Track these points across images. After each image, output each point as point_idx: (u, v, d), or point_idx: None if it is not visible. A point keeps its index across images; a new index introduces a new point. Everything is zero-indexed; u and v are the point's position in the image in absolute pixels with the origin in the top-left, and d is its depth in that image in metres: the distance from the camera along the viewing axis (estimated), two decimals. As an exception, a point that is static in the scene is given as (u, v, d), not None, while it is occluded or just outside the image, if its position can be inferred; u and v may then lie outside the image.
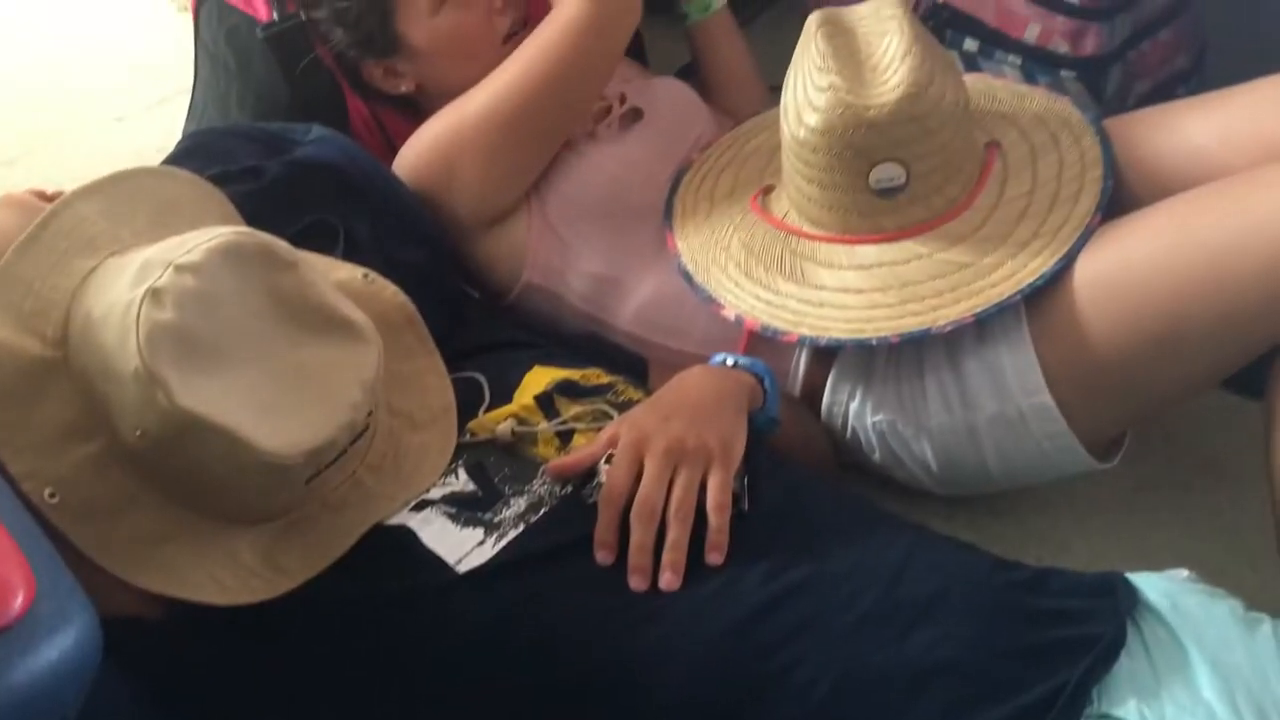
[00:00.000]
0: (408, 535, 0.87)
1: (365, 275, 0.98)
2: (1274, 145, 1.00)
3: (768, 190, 1.16)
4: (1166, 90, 1.43)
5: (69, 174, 1.52)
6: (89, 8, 1.82)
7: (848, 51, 1.05)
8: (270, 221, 0.95)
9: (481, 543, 0.86)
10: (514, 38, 1.20)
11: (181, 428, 0.78)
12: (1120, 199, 1.08)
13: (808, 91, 1.04)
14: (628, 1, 1.14)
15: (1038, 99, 1.19)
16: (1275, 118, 1.02)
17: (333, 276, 0.93)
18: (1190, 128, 1.08)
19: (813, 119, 1.03)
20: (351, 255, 1.04)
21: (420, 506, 0.89)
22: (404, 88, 1.23)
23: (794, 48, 1.11)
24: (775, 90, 1.17)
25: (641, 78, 1.34)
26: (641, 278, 1.17)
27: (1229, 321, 0.96)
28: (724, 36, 1.41)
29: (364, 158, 1.17)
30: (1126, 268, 0.99)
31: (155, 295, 0.79)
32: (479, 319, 1.17)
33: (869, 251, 1.06)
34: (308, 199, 1.07)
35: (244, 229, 0.88)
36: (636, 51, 1.48)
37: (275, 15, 1.23)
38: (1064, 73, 1.36)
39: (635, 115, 1.24)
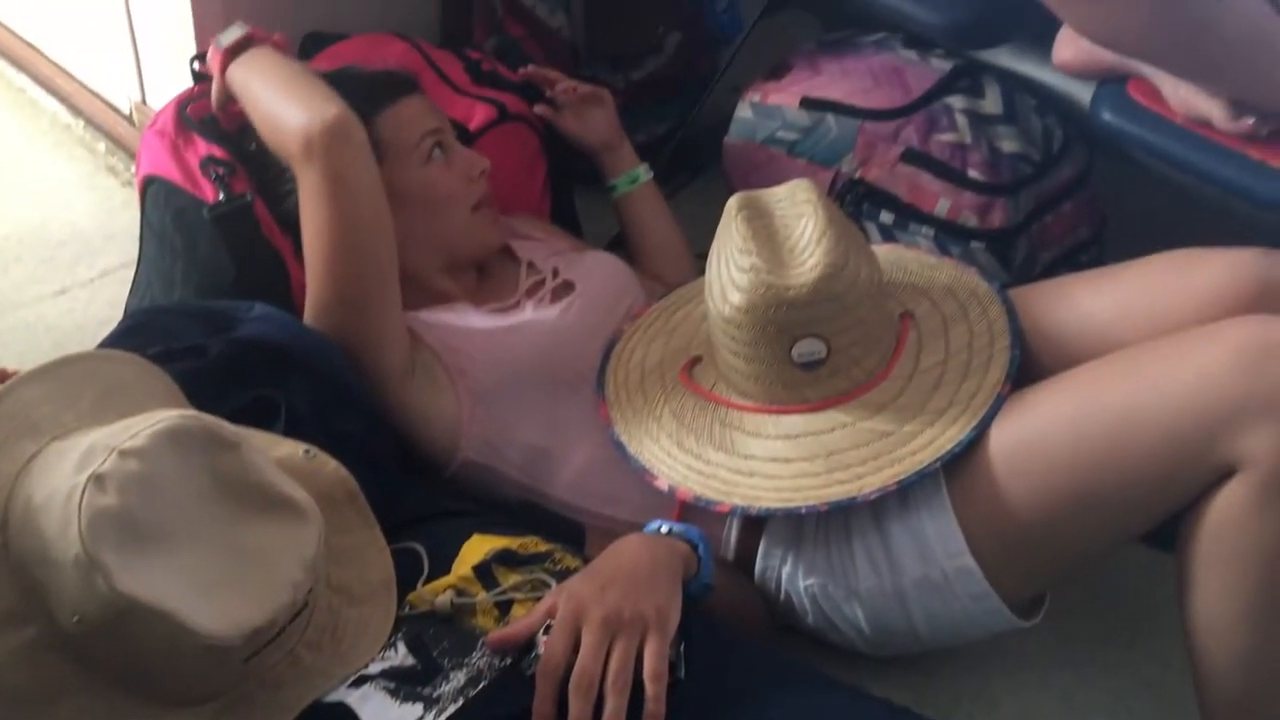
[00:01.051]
0: (346, 712, 0.87)
1: (306, 451, 1.00)
2: (1166, 319, 1.07)
3: (696, 361, 1.21)
4: (1070, 258, 1.52)
5: (11, 349, 1.55)
6: (27, 179, 1.85)
7: (767, 234, 1.11)
8: (213, 399, 0.98)
9: (420, 718, 0.87)
10: (479, 210, 1.28)
11: (121, 612, 0.79)
12: (1028, 366, 1.14)
13: (731, 272, 1.10)
14: (339, 142, 1.13)
15: (947, 270, 1.26)
16: (1166, 293, 1.10)
17: (274, 454, 0.95)
18: (1089, 302, 1.15)
19: (737, 298, 1.09)
20: (293, 430, 1.06)
21: (359, 682, 0.89)
22: None
23: (718, 216, 1.17)
24: (701, 258, 1.23)
25: (574, 250, 1.40)
26: (575, 447, 1.20)
27: (1136, 484, 1.01)
28: (650, 208, 1.49)
29: (304, 332, 1.20)
30: (1037, 436, 1.05)
31: (98, 481, 0.81)
32: (418, 489, 1.18)
33: (795, 421, 1.11)
34: (249, 375, 1.10)
35: (188, 412, 0.90)
36: (570, 222, 1.56)
37: (222, 196, 1.27)
38: (974, 244, 1.44)
39: (567, 288, 1.30)
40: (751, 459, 1.10)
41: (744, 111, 1.55)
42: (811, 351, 1.08)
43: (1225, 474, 0.98)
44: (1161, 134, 1.28)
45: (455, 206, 1.27)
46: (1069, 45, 1.34)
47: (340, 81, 1.21)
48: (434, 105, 1.32)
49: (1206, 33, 1.16)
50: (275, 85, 1.19)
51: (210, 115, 1.31)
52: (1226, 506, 0.97)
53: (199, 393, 1.00)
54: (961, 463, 1.07)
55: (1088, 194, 1.51)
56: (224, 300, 1.23)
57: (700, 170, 1.75)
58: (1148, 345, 1.04)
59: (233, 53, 1.24)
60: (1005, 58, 1.48)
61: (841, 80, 1.50)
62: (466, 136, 1.39)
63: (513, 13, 1.63)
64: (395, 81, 1.29)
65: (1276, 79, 1.19)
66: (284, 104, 1.17)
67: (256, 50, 1.24)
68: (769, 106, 1.53)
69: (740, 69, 1.73)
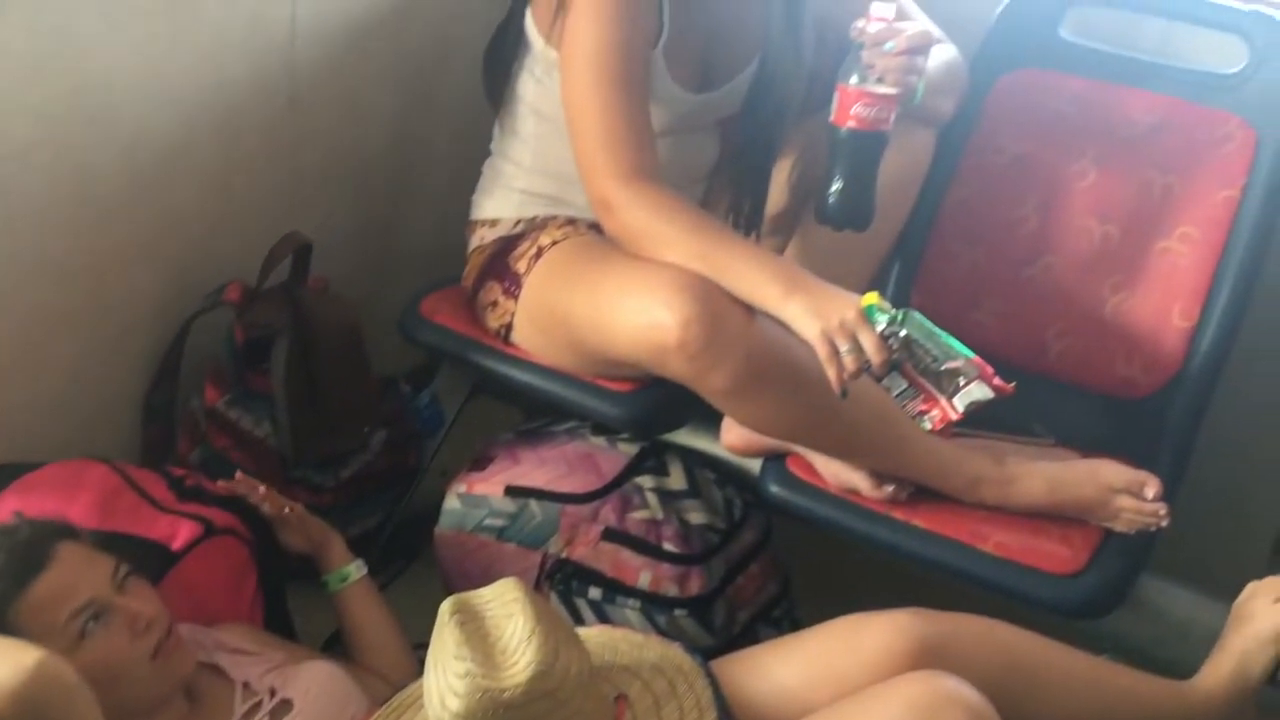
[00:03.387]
0: None
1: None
2: (845, 682, 1.19)
3: (420, 767, 1.21)
4: (765, 614, 1.64)
5: None
6: None
7: (479, 636, 1.16)
8: None
9: None
10: (160, 654, 1.23)
11: None
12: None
13: (448, 678, 1.14)
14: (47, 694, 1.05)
15: (654, 648, 1.34)
16: (841, 657, 1.22)
17: None
18: (780, 670, 1.26)
19: (455, 704, 1.12)
20: None
21: None
22: None
23: (434, 605, 1.20)
24: (421, 648, 1.25)
25: (291, 662, 1.39)
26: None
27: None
28: (365, 604, 1.51)
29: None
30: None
31: None
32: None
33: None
34: None
35: None
36: (284, 626, 1.55)
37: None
38: (677, 611, 1.55)
39: (285, 707, 1.28)
40: None
41: (452, 503, 1.63)
42: (533, 752, 1.11)
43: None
44: (820, 503, 1.46)
45: (132, 668, 1.21)
46: (733, 430, 1.53)
47: None
48: (90, 554, 1.24)
49: (836, 419, 1.37)
50: None
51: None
52: None
53: None
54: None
55: (770, 554, 1.66)
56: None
57: (415, 558, 1.80)
58: (833, 709, 1.14)
59: None
60: (684, 437, 1.66)
61: (540, 468, 1.62)
62: (170, 557, 1.39)
63: (216, 425, 1.67)
64: (29, 557, 1.19)
65: (904, 452, 1.40)
66: None
67: None
68: (475, 496, 1.62)
69: (448, 455, 1.83)
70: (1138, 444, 1.52)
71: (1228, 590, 1.35)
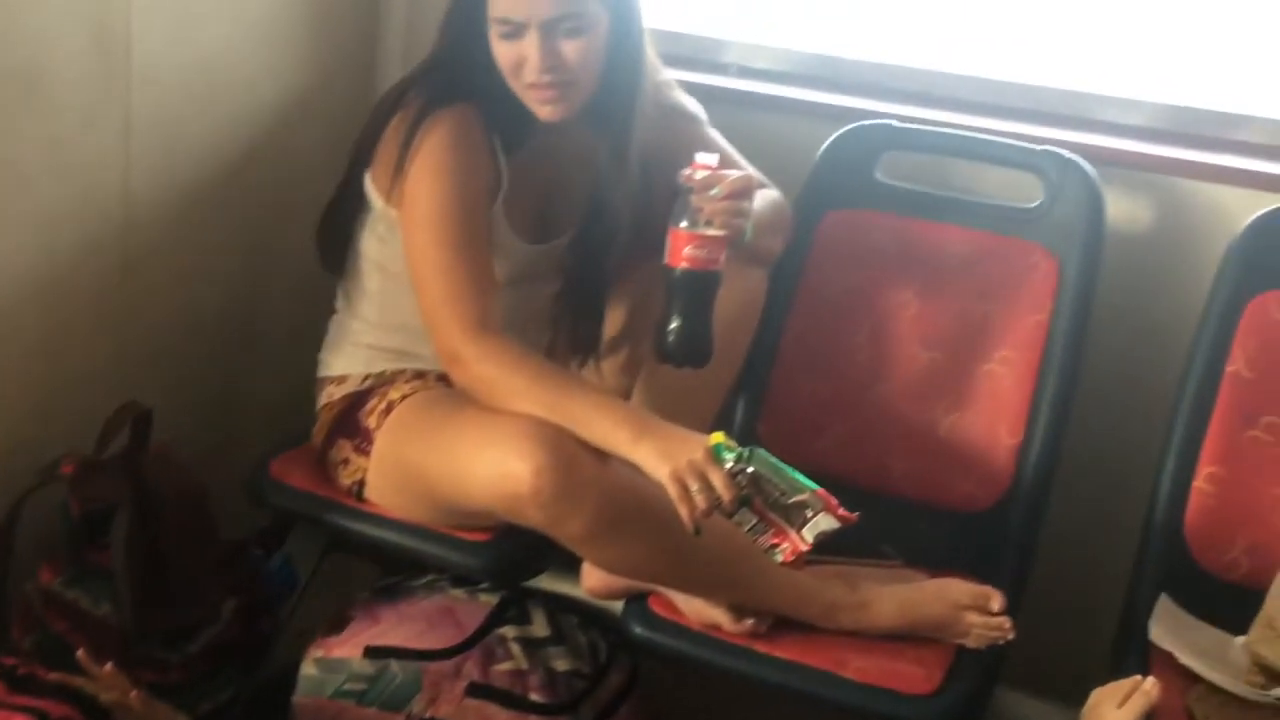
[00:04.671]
0: None
1: None
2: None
3: None
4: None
5: None
6: None
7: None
8: None
9: None
10: None
11: None
12: None
13: None
14: None
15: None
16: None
17: None
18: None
19: None
20: None
21: None
22: None
23: None
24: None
25: None
26: None
27: None
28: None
29: None
30: None
31: None
32: None
33: None
34: None
35: None
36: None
37: None
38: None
39: None
40: None
41: (309, 669, 1.58)
42: None
43: None
44: (683, 640, 1.47)
45: None
46: (593, 574, 1.53)
47: None
48: None
49: (693, 558, 1.40)
50: None
51: None
52: None
53: None
54: None
55: (639, 695, 1.66)
56: None
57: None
58: None
59: None
60: (546, 582, 1.65)
61: (399, 625, 1.59)
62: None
63: (53, 607, 1.59)
64: None
65: (761, 585, 1.43)
66: None
67: None
68: (333, 660, 1.57)
69: (305, 617, 1.77)
70: (981, 558, 1.58)
71: (1077, 698, 1.41)
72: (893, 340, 1.68)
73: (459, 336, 1.43)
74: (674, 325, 1.44)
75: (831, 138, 1.74)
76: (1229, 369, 1.53)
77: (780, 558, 1.32)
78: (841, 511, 1.32)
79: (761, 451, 1.34)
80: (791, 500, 1.32)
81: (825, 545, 1.34)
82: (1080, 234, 1.61)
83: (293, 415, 1.71)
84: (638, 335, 1.67)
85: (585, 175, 1.58)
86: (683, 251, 1.42)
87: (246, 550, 1.79)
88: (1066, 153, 1.64)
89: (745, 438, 1.70)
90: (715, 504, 1.30)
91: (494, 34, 1.45)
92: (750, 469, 1.32)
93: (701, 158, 1.44)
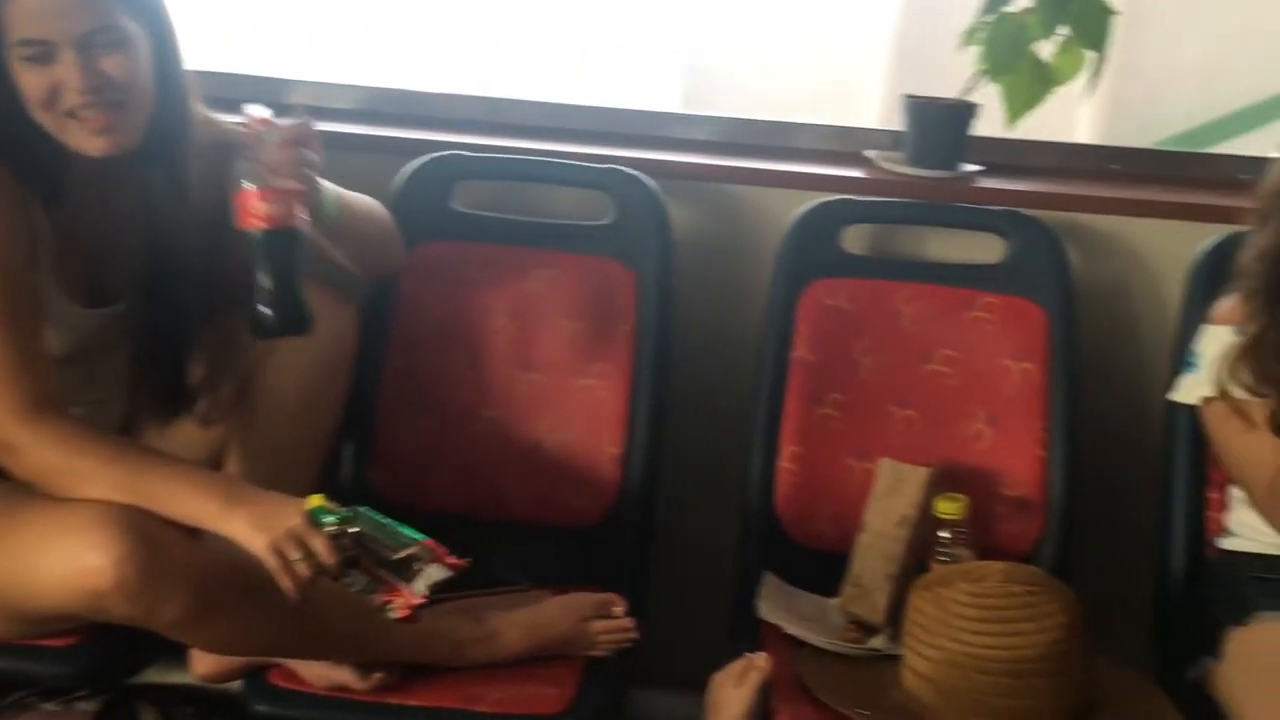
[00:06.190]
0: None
1: None
2: None
3: None
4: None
5: None
6: None
7: None
8: None
9: None
10: None
11: None
12: None
13: None
14: None
15: None
16: None
17: None
18: None
19: None
20: None
21: None
22: None
23: None
24: None
25: None
26: None
27: None
28: None
29: None
30: None
31: None
32: None
33: None
34: None
35: None
36: None
37: None
38: None
39: None
40: None
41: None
42: None
43: None
44: (311, 709, 1.40)
45: None
46: (203, 659, 1.43)
47: None
48: None
49: (306, 625, 1.35)
50: None
51: None
52: None
53: None
54: None
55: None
56: None
57: None
58: None
59: None
60: (154, 676, 1.53)
61: (-14, 756, 1.41)
62: None
63: None
64: None
65: (383, 639, 1.39)
66: None
67: None
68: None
69: None
70: (604, 568, 1.63)
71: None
72: (493, 367, 1.69)
73: (11, 423, 1.30)
74: (264, 293, 1.33)
75: (404, 172, 1.72)
76: (794, 355, 1.66)
77: (395, 614, 1.29)
78: (451, 559, 1.31)
79: (365, 509, 1.31)
80: (400, 555, 1.29)
81: (452, 583, 1.32)
82: (651, 246, 1.69)
83: None
84: (228, 384, 1.57)
85: (143, 221, 1.46)
86: (253, 210, 1.32)
87: None
88: (629, 169, 1.72)
89: (355, 487, 1.67)
90: (319, 570, 1.25)
91: (15, 63, 1.29)
92: (354, 529, 1.28)
93: (251, 110, 1.35)
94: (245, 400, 1.50)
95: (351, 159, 1.80)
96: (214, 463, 1.50)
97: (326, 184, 1.44)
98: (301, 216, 1.35)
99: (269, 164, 1.33)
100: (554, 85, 2.21)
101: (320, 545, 1.25)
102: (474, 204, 1.75)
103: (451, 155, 1.74)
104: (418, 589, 1.28)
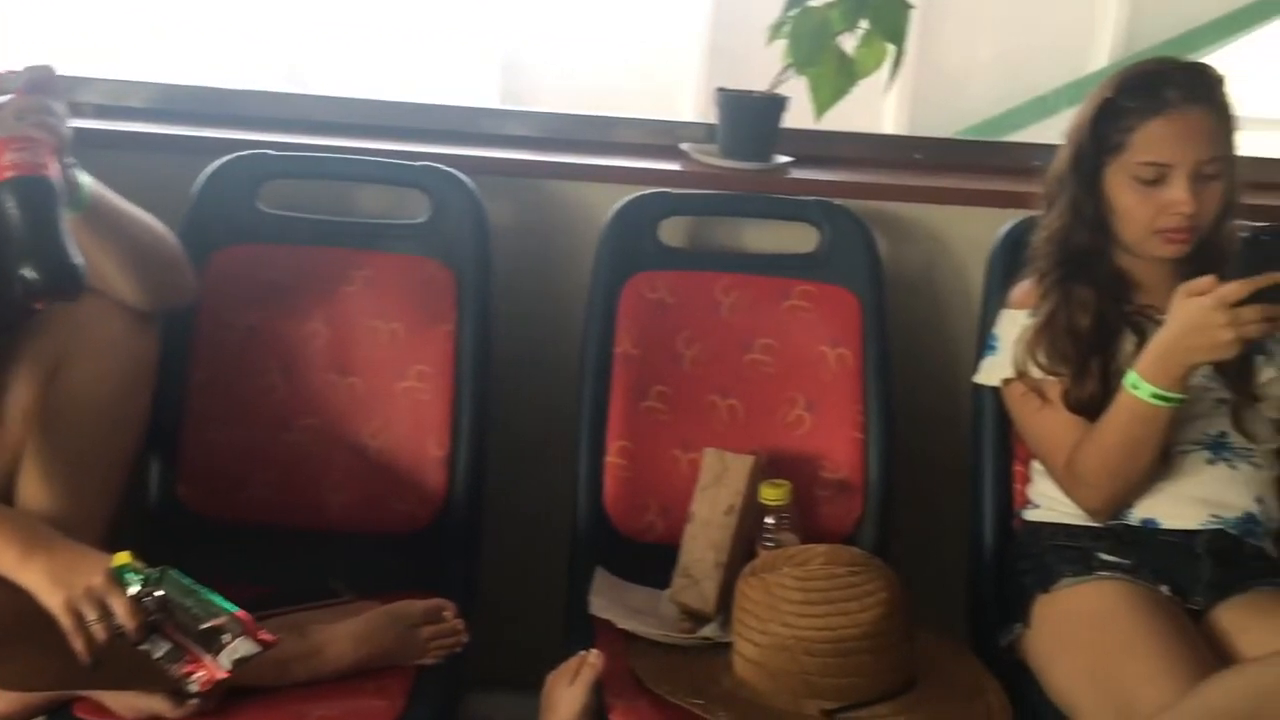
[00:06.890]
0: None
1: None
2: None
3: None
4: None
5: None
6: None
7: None
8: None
9: None
10: None
11: None
12: None
13: None
14: None
15: None
16: None
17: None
18: None
19: None
20: None
21: None
22: None
23: None
24: None
25: None
26: None
27: None
28: None
29: None
30: None
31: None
32: None
33: None
34: None
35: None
36: None
37: None
38: None
39: None
40: None
41: None
42: None
43: None
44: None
45: None
46: (1, 697, 1.34)
47: None
48: None
49: (108, 655, 1.26)
50: None
51: None
52: None
53: None
54: None
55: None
56: None
57: None
58: None
59: None
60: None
61: None
62: None
63: None
64: None
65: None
66: None
67: None
68: None
69: None
70: (433, 573, 1.59)
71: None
72: (307, 373, 1.63)
73: None
74: (25, 250, 1.22)
75: (205, 172, 1.65)
76: (617, 350, 1.66)
77: (195, 688, 1.23)
78: (262, 634, 1.26)
79: (174, 572, 1.25)
80: (207, 625, 1.23)
81: (273, 598, 1.27)
82: (469, 243, 1.66)
83: None
84: (17, 396, 1.47)
85: None
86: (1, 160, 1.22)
87: None
88: (444, 167, 1.69)
89: (163, 504, 1.59)
90: (118, 633, 1.19)
91: None
92: (160, 592, 1.22)
93: None
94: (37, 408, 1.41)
95: (149, 159, 1.73)
96: (6, 484, 1.41)
97: (85, 174, 1.36)
98: (54, 166, 1.25)
99: (12, 110, 1.24)
100: (371, 83, 2.17)
101: (120, 607, 1.19)
102: (282, 205, 1.69)
103: (257, 154, 1.67)
104: (223, 663, 1.23)
